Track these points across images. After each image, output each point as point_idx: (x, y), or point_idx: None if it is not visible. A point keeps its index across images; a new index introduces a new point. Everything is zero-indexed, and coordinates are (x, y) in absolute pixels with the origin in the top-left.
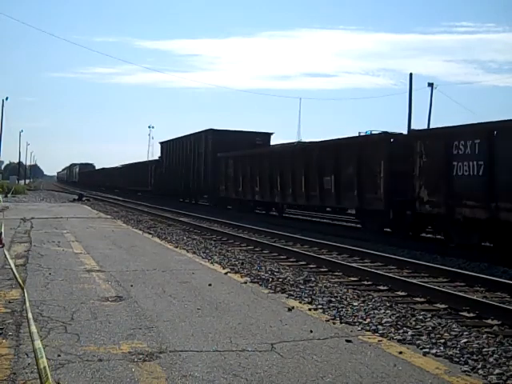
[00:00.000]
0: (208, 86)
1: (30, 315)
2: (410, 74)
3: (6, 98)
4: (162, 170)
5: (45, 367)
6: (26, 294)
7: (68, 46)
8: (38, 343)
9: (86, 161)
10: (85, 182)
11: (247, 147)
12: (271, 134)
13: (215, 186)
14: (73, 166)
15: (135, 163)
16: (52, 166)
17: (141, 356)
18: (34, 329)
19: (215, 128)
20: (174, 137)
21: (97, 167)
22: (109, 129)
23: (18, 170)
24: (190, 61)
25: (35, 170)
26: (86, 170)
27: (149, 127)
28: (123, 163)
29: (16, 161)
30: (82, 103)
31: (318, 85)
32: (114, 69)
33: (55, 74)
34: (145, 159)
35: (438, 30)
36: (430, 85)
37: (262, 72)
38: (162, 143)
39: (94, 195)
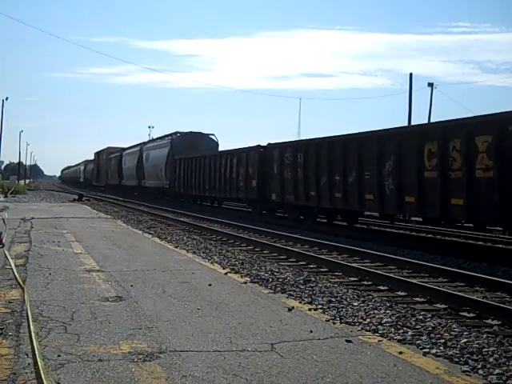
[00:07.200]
0: (207, 85)
1: (30, 317)
2: (410, 75)
3: (6, 98)
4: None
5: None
6: (26, 295)
7: (67, 46)
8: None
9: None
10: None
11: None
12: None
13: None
14: (130, 148)
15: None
16: (52, 166)
17: (141, 356)
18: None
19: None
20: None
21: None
22: (109, 129)
23: (18, 170)
24: (188, 61)
25: (35, 170)
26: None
27: (149, 127)
28: None
29: (16, 161)
30: (81, 103)
31: (316, 85)
32: (113, 69)
33: (55, 74)
34: None
35: (435, 30)
36: (430, 85)
37: (260, 72)
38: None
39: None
